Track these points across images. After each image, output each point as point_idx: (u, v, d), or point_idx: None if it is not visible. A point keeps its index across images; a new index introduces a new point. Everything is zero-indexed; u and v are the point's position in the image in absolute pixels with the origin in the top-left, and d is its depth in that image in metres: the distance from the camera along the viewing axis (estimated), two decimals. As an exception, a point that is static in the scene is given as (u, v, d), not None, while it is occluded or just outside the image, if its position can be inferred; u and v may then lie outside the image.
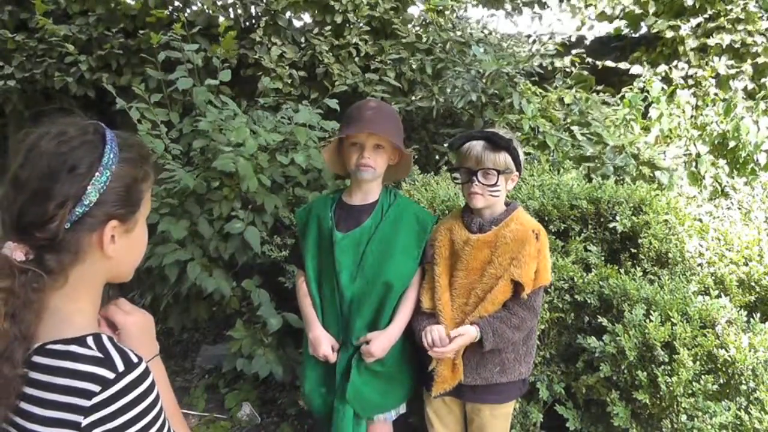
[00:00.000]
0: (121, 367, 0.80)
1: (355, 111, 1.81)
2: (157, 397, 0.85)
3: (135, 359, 0.83)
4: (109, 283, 0.95)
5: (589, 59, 4.25)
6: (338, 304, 1.82)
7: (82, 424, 0.77)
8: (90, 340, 0.82)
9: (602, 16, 4.78)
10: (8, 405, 0.78)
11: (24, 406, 0.80)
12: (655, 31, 4.53)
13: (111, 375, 0.79)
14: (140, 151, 0.93)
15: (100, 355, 0.81)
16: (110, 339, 0.85)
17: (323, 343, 1.80)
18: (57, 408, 0.78)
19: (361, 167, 1.77)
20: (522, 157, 1.77)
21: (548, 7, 5.42)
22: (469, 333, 1.66)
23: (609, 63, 4.31)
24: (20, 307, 0.79)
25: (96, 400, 0.78)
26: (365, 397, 1.82)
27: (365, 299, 1.80)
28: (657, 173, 3.04)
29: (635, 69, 4.27)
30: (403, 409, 1.96)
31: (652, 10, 4.59)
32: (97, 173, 0.84)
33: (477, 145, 1.72)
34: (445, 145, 3.47)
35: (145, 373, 0.83)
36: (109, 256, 0.88)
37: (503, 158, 1.70)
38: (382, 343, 1.77)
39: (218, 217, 2.73)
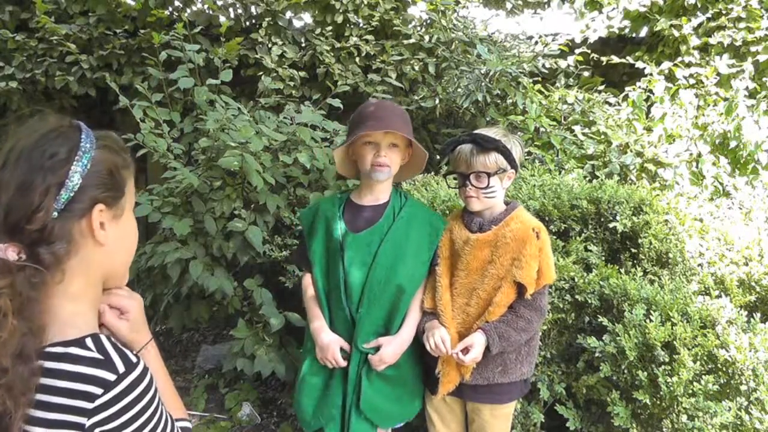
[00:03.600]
0: (121, 369, 0.81)
1: (368, 110, 1.78)
2: (156, 391, 0.86)
3: (134, 359, 0.84)
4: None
5: (594, 55, 4.26)
6: (347, 306, 1.76)
7: (86, 426, 0.78)
8: (89, 341, 0.83)
9: (610, 27, 4.78)
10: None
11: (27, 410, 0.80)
12: (657, 29, 4.53)
13: (112, 377, 0.80)
14: (117, 142, 0.95)
15: (99, 356, 0.81)
16: (108, 339, 0.85)
17: (333, 347, 1.73)
18: (59, 410, 0.79)
19: (377, 167, 1.74)
20: (517, 153, 1.76)
21: (549, 6, 5.41)
22: (479, 342, 1.64)
23: (615, 59, 4.30)
24: (25, 303, 0.79)
25: (99, 402, 0.79)
26: (381, 408, 1.75)
27: (376, 301, 1.74)
28: (660, 170, 3.04)
29: (640, 64, 4.26)
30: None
31: (655, 8, 4.58)
32: (77, 158, 0.85)
33: (465, 149, 1.72)
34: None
35: (144, 371, 0.85)
36: (101, 244, 0.88)
37: (493, 159, 1.70)
38: (394, 348, 1.72)
39: (220, 216, 2.74)
